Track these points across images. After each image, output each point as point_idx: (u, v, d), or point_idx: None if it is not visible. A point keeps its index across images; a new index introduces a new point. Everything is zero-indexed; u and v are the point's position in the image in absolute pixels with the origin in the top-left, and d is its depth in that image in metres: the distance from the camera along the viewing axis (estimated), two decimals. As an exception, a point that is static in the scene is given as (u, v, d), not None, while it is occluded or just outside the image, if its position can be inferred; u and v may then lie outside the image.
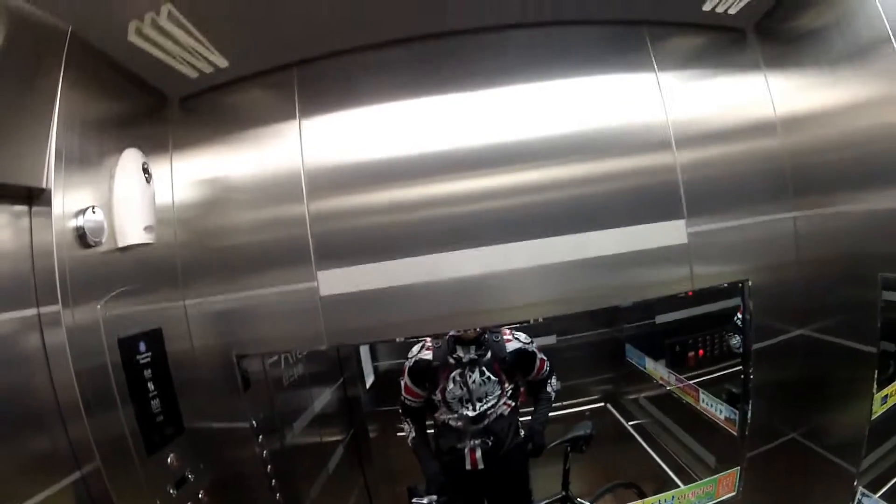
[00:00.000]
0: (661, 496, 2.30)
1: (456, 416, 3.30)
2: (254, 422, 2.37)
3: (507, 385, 3.30)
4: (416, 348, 3.34)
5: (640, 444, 4.30)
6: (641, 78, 2.35)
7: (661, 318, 4.57)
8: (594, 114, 2.33)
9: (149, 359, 2.05)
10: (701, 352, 4.42)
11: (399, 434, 3.62)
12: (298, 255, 2.26)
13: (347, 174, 2.30)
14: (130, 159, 2.04)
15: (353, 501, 3.98)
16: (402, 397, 3.39)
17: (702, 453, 3.50)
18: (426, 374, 3.31)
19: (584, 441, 3.39)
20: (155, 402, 2.06)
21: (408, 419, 3.41)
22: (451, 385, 3.25)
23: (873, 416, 2.09)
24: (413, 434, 3.40)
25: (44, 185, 1.72)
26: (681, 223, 2.28)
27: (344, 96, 2.34)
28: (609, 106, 2.34)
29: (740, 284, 2.36)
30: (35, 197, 1.74)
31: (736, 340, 3.74)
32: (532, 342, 3.35)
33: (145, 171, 2.06)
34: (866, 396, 2.09)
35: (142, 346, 2.02)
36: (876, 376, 2.07)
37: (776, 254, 2.36)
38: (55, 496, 1.72)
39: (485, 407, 3.28)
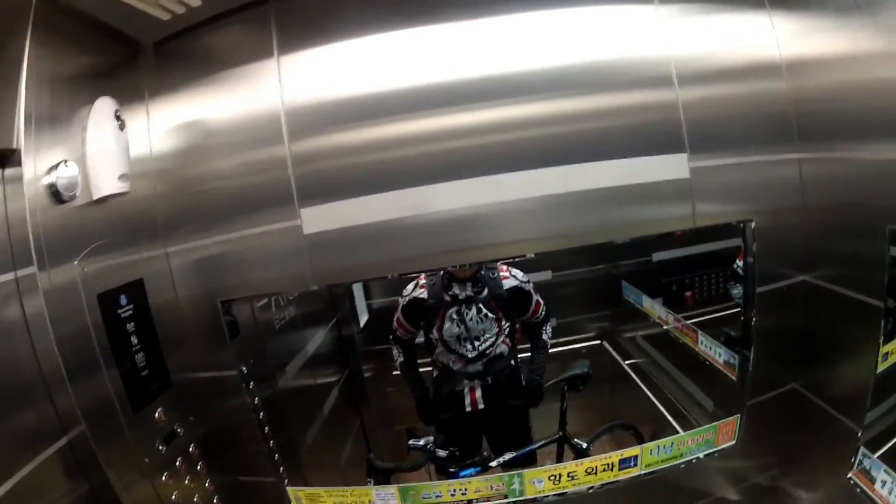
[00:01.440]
0: (660, 442, 2.26)
1: (455, 356, 3.31)
2: (243, 369, 2.32)
3: (504, 322, 3.29)
4: (409, 286, 3.33)
5: (637, 385, 4.29)
6: (642, 9, 2.22)
7: (658, 256, 4.57)
8: (591, 46, 2.22)
9: (130, 312, 1.99)
10: (692, 293, 4.47)
11: (395, 373, 3.67)
12: (281, 195, 2.18)
13: (330, 111, 2.20)
14: (102, 107, 1.96)
15: (351, 443, 3.98)
16: (394, 328, 3.43)
17: (700, 397, 3.50)
18: (421, 313, 3.31)
19: (581, 380, 3.39)
20: (139, 357, 2.01)
21: (396, 345, 3.46)
22: (447, 324, 3.25)
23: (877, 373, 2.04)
24: (402, 358, 3.46)
25: (14, 146, 1.67)
26: (682, 157, 2.18)
27: (323, 29, 2.23)
28: (607, 38, 2.23)
29: (743, 225, 2.28)
30: (6, 159, 1.69)
31: (737, 290, 3.74)
32: (529, 281, 3.33)
33: (118, 118, 1.99)
34: (871, 351, 2.03)
35: (123, 300, 1.97)
36: (882, 331, 2.01)
37: (780, 197, 2.26)
38: (43, 465, 1.71)
39: (483, 346, 3.28)
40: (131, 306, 2.00)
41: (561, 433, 3.46)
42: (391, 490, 2.28)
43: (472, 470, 3.12)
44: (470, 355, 3.31)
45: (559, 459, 3.50)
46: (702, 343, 3.34)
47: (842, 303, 2.18)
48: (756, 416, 2.37)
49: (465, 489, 2.21)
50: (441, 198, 2.17)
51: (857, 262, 2.13)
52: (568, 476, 2.19)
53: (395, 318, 3.42)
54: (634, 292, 4.56)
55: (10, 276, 1.67)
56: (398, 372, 3.58)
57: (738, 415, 2.33)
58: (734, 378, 2.83)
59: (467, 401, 3.38)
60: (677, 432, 3.43)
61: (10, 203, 1.68)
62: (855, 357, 2.17)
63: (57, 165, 1.75)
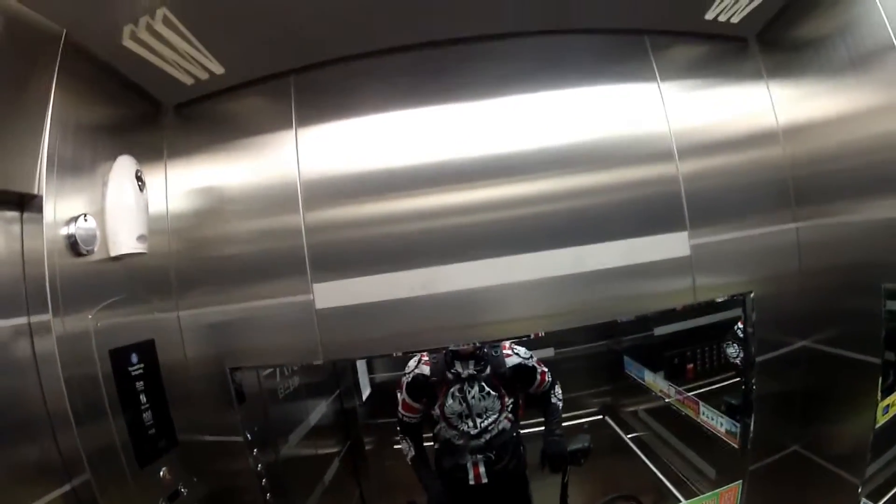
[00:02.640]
0: None
1: (457, 433, 3.25)
2: (248, 435, 2.31)
3: (507, 399, 3.24)
4: (412, 363, 3.28)
5: (639, 457, 4.24)
6: (643, 88, 2.32)
7: (660, 331, 4.55)
8: (595, 124, 2.31)
9: (141, 370, 2.01)
10: (693, 366, 4.35)
11: (395, 447, 3.54)
12: (294, 266, 2.22)
13: (344, 185, 2.26)
14: (124, 166, 2.01)
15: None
16: (400, 414, 3.32)
17: (702, 466, 3.45)
18: (424, 389, 3.25)
19: (583, 454, 3.30)
20: (147, 415, 2.02)
21: (406, 437, 3.33)
22: (449, 400, 3.20)
23: (876, 427, 2.06)
24: (412, 453, 3.32)
25: (35, 192, 1.70)
26: (683, 235, 2.25)
27: (341, 105, 2.31)
28: (610, 116, 2.31)
29: (742, 297, 2.32)
30: (26, 203, 1.72)
31: (733, 349, 3.73)
32: (532, 357, 3.30)
33: (139, 178, 2.03)
34: (869, 407, 2.06)
35: (134, 358, 1.99)
36: (880, 386, 2.04)
37: (778, 265, 2.32)
38: None
39: (486, 423, 3.22)
40: (142, 365, 2.02)
41: None
42: None
43: None
44: (472, 432, 3.25)
45: None
46: (703, 414, 3.33)
47: (840, 363, 2.21)
48: (758, 480, 2.36)
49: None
50: (450, 277, 2.22)
51: (854, 322, 2.17)
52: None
53: (401, 401, 3.33)
54: (636, 367, 4.54)
55: (23, 319, 1.68)
56: (409, 464, 3.41)
57: (740, 481, 2.32)
58: (736, 446, 2.79)
59: (471, 475, 3.30)
60: (678, 500, 3.40)
61: (28, 246, 1.71)
62: (854, 414, 2.19)
63: (77, 218, 1.77)
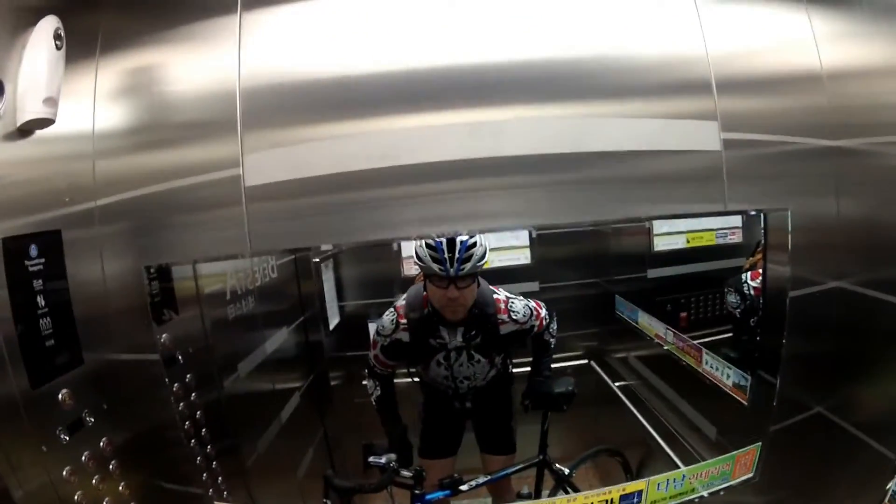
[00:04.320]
0: (670, 475, 1.95)
1: (442, 385, 3.08)
2: (173, 356, 2.05)
3: (497, 359, 3.02)
4: (387, 322, 2.97)
5: (627, 409, 4.00)
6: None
7: (654, 273, 4.32)
8: (616, 31, 1.93)
9: (41, 266, 1.74)
10: (688, 314, 4.29)
11: (364, 382, 3.30)
12: (220, 129, 1.87)
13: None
14: (43, 25, 1.77)
15: (311, 455, 3.66)
16: (371, 363, 3.08)
17: (700, 422, 3.20)
18: (402, 353, 2.99)
19: (565, 399, 3.08)
20: (45, 321, 1.74)
21: (373, 378, 3.10)
22: (433, 366, 2.96)
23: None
24: (378, 392, 3.09)
25: None
26: (713, 124, 1.89)
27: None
28: (636, 24, 1.94)
29: (765, 216, 2.06)
30: None
31: (734, 298, 3.51)
32: (531, 313, 2.97)
33: (57, 37, 1.78)
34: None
35: (33, 250, 1.71)
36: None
37: (816, 191, 1.99)
38: None
39: (473, 384, 3.05)
40: (42, 260, 1.75)
41: (541, 457, 3.20)
42: None
43: (440, 494, 2.83)
44: (460, 390, 3.08)
45: (538, 486, 3.26)
46: (706, 363, 3.05)
47: (879, 310, 1.95)
48: (776, 445, 2.07)
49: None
50: (417, 143, 1.84)
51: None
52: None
53: (373, 355, 3.07)
54: (629, 308, 4.26)
55: None
56: (373, 403, 3.21)
57: (759, 444, 2.02)
58: (744, 402, 2.56)
59: (455, 405, 3.17)
60: (671, 460, 3.15)
61: None
62: (891, 374, 1.97)
63: None
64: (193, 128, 1.91)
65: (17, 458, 1.68)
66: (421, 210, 1.84)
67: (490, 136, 1.81)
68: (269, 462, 2.90)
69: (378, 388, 3.10)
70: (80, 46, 1.87)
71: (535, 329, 3.02)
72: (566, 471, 3.22)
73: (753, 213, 2.10)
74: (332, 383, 4.25)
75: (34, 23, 1.77)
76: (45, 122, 1.76)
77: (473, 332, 2.86)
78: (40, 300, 1.73)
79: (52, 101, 1.76)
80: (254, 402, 3.03)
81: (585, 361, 4.73)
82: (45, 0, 1.80)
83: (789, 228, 1.95)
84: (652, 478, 1.92)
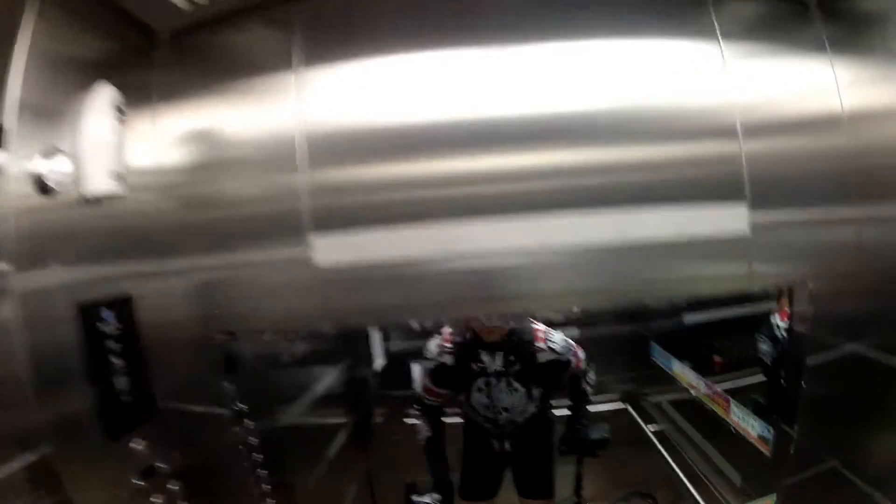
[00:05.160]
0: None
1: (482, 419, 3.15)
2: (238, 406, 2.14)
3: (535, 391, 3.08)
4: (433, 348, 3.09)
5: (659, 452, 4.07)
6: (702, 46, 2.06)
7: (690, 319, 4.39)
8: (647, 80, 2.04)
9: (115, 330, 1.86)
10: (723, 358, 4.24)
11: (407, 420, 3.56)
12: (292, 220, 1.99)
13: (353, 137, 2.03)
14: (101, 95, 1.85)
15: (354, 490, 3.81)
16: (422, 395, 3.18)
17: (727, 469, 3.30)
18: (447, 379, 3.09)
19: (600, 445, 3.18)
20: (121, 380, 1.87)
21: (424, 417, 3.19)
22: (475, 393, 3.05)
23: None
24: (428, 433, 3.17)
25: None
26: (742, 210, 1.99)
27: (350, 42, 2.07)
28: (665, 74, 2.05)
29: (789, 290, 2.13)
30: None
31: (766, 346, 3.56)
32: (568, 349, 3.05)
33: (118, 110, 1.87)
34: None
35: (107, 316, 1.83)
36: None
37: (836, 260, 2.08)
38: (8, 478, 1.60)
39: (512, 416, 3.12)
40: (117, 324, 1.87)
41: (576, 499, 3.30)
42: None
43: None
44: (499, 421, 3.15)
45: None
46: (734, 413, 3.14)
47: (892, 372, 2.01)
48: (790, 496, 2.16)
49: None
50: (472, 237, 1.97)
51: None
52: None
53: (423, 385, 3.18)
54: (663, 355, 4.37)
55: None
56: (421, 443, 3.25)
57: (773, 495, 2.14)
58: (766, 453, 2.63)
59: (495, 446, 3.24)
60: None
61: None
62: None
63: (47, 153, 1.65)
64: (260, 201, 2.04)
65: (93, 500, 1.77)
66: (476, 292, 1.98)
67: (540, 232, 1.96)
68: (318, 498, 3.05)
69: (428, 427, 3.18)
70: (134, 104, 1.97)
71: (573, 365, 3.09)
72: None
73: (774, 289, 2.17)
74: (377, 420, 4.41)
75: (86, 79, 1.83)
76: (115, 198, 1.86)
77: (512, 358, 2.95)
78: (115, 361, 1.86)
79: (120, 177, 1.86)
80: (305, 440, 3.19)
81: (621, 405, 4.81)
82: (95, 53, 1.90)
83: (810, 302, 2.06)
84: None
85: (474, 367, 2.97)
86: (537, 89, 2.02)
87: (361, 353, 4.34)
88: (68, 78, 1.80)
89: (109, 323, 1.84)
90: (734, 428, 3.11)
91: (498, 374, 2.96)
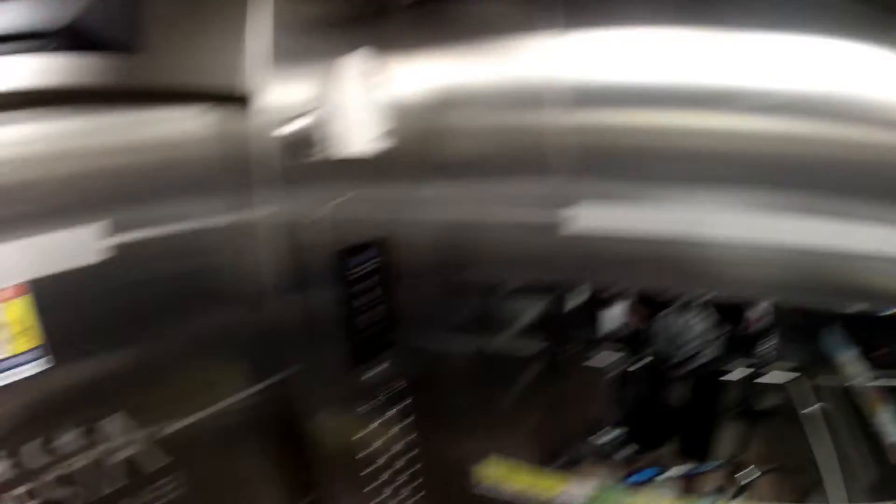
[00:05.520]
0: None
1: (665, 356, 3.45)
2: (472, 343, 2.37)
3: (717, 332, 3.37)
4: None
5: (812, 433, 4.02)
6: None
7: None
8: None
9: (369, 269, 2.05)
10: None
11: (590, 363, 3.83)
12: (547, 178, 2.14)
13: (610, 95, 2.14)
14: (355, 61, 1.98)
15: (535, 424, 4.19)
16: (621, 323, 3.52)
17: (862, 466, 3.39)
18: (639, 303, 3.43)
19: (764, 416, 3.56)
20: (368, 315, 2.07)
21: (621, 348, 3.57)
22: (659, 323, 3.38)
23: None
24: (619, 370, 3.58)
25: (255, 88, 1.79)
26: None
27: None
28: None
29: None
30: (248, 100, 1.80)
31: None
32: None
33: (370, 74, 2.00)
34: None
35: (362, 257, 2.03)
36: None
37: None
38: (249, 398, 1.89)
39: (693, 357, 3.39)
40: (371, 264, 2.06)
41: (735, 461, 3.63)
42: (586, 489, 2.34)
43: (644, 476, 3.38)
44: (678, 360, 3.41)
45: (724, 488, 3.63)
46: (882, 413, 3.23)
47: None
48: None
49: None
50: (721, 224, 2.13)
51: None
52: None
53: (620, 312, 3.50)
54: (835, 339, 4.26)
55: (245, 214, 1.79)
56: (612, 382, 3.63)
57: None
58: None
59: (672, 396, 3.56)
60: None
61: (254, 142, 1.80)
62: None
63: (303, 114, 1.81)
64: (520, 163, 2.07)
65: (332, 419, 2.02)
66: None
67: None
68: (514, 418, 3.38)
69: (620, 362, 3.59)
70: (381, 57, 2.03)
71: (747, 322, 3.34)
72: (749, 479, 3.58)
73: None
74: (567, 355, 4.57)
75: (333, 41, 1.90)
76: (367, 153, 1.98)
77: (700, 290, 3.19)
78: (366, 297, 2.05)
79: (374, 136, 2.00)
80: (507, 368, 3.50)
81: (791, 377, 4.72)
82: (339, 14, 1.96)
83: None
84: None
85: (663, 296, 3.27)
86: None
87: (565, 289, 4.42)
88: (315, 38, 1.95)
89: (364, 263, 2.02)
90: (876, 427, 3.18)
91: (685, 305, 3.26)
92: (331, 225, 1.94)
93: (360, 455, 2.26)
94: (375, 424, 2.25)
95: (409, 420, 2.46)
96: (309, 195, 1.96)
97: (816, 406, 4.21)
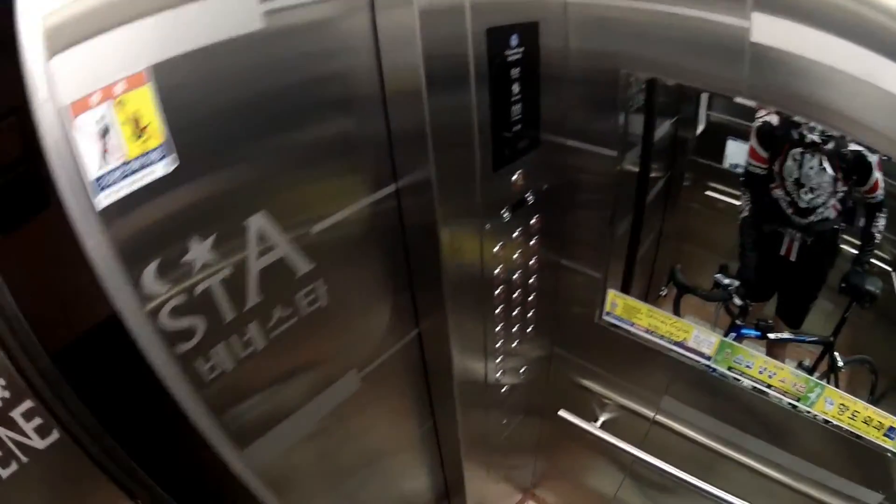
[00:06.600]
0: None
1: (787, 198, 3.38)
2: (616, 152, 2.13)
3: (839, 184, 3.26)
4: (761, 110, 3.36)
5: None
6: None
7: None
8: None
9: (519, 55, 1.78)
10: None
11: (708, 193, 4.06)
12: None
13: None
14: None
15: (656, 246, 4.17)
16: (747, 162, 3.48)
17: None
18: (770, 140, 3.35)
19: (870, 298, 3.33)
20: (516, 108, 1.84)
21: (747, 190, 3.51)
22: (789, 161, 3.28)
23: None
24: (747, 212, 3.53)
25: None
26: None
27: None
28: None
29: None
30: None
31: None
32: (876, 159, 3.17)
33: None
34: None
35: (513, 40, 1.76)
36: None
37: None
38: (369, 207, 1.74)
39: (816, 201, 3.31)
40: (521, 49, 1.79)
41: (832, 339, 3.52)
42: (712, 338, 2.29)
43: (753, 332, 3.36)
44: (801, 204, 3.36)
45: (816, 365, 3.64)
46: None
47: None
48: None
49: (774, 373, 2.20)
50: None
51: None
52: (850, 415, 2.08)
53: (749, 148, 3.45)
54: None
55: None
56: (739, 222, 3.59)
57: None
58: None
59: (783, 247, 3.56)
60: None
61: None
62: None
63: None
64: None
65: (461, 231, 1.87)
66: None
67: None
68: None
69: (749, 204, 3.53)
70: None
71: (871, 185, 3.20)
72: (840, 363, 3.51)
73: None
74: (685, 184, 4.59)
75: None
76: None
77: (829, 135, 3.14)
78: (515, 88, 1.81)
79: None
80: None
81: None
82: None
83: None
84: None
85: (794, 133, 3.21)
86: None
87: (688, 113, 4.35)
88: None
89: (514, 48, 1.77)
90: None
91: (813, 146, 3.18)
92: (475, 3, 1.63)
93: (486, 274, 2.14)
94: (502, 242, 2.14)
95: (534, 241, 2.31)
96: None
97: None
